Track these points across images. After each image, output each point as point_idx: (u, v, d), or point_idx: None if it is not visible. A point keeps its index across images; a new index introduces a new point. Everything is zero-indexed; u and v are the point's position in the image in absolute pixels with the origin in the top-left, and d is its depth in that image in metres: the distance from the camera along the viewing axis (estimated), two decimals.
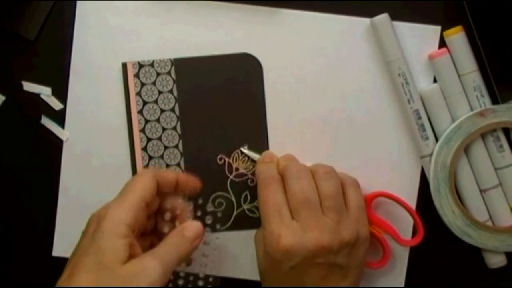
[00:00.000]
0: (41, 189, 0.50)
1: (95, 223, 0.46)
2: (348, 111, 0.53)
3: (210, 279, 0.54)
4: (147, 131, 0.53)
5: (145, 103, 0.53)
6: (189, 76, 0.53)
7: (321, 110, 0.53)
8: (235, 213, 0.54)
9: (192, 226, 0.48)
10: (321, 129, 0.53)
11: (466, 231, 0.52)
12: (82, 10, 0.53)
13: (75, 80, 0.54)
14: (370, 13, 0.52)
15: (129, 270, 0.45)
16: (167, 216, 0.50)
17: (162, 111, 0.53)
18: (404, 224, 0.53)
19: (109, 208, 0.46)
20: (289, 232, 0.46)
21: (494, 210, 0.53)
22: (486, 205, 0.53)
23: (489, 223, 0.53)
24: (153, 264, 0.45)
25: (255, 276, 0.52)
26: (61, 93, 0.54)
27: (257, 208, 0.54)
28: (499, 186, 0.52)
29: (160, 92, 0.53)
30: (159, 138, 0.53)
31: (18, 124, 0.54)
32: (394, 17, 0.52)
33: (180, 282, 0.53)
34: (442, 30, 0.52)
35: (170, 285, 0.53)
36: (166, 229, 0.49)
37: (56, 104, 0.54)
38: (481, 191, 0.53)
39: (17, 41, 0.53)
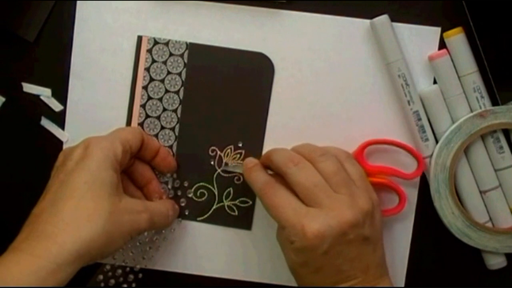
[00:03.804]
0: (41, 191, 0.50)
1: (81, 151, 0.46)
2: (348, 112, 0.53)
3: (140, 276, 0.55)
4: (147, 107, 0.53)
5: (151, 79, 0.53)
6: (201, 63, 0.53)
7: (321, 111, 0.53)
8: (214, 207, 0.54)
9: (177, 208, 0.53)
10: (320, 131, 0.53)
11: (466, 233, 0.52)
12: (82, 11, 0.53)
13: (75, 81, 0.54)
14: (370, 15, 0.52)
15: (125, 207, 0.46)
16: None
17: (167, 91, 0.53)
18: (404, 164, 0.53)
19: (98, 138, 0.47)
20: (311, 219, 0.45)
21: (494, 211, 0.53)
22: (486, 206, 0.53)
23: (489, 225, 0.53)
24: (145, 216, 0.47)
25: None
26: (61, 94, 0.54)
27: (236, 206, 0.54)
28: (499, 187, 0.52)
29: (168, 73, 0.53)
30: (158, 117, 0.53)
31: (18, 126, 0.54)
32: (394, 18, 0.52)
33: (131, 277, 0.54)
34: (442, 31, 0.52)
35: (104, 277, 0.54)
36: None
37: (56, 106, 0.54)
38: (481, 192, 0.53)
39: (17, 43, 0.53)
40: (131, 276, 0.54)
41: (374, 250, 0.47)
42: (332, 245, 0.45)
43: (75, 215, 0.43)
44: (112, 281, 0.54)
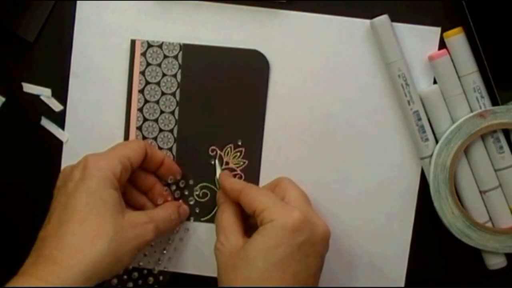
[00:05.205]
0: (41, 191, 0.50)
1: (80, 172, 0.46)
2: (348, 112, 0.53)
3: (161, 278, 0.54)
4: (144, 111, 0.53)
5: (147, 83, 0.53)
6: (196, 63, 0.53)
7: (321, 111, 0.53)
8: None
9: (186, 208, 0.53)
10: (320, 131, 0.53)
11: (466, 233, 0.52)
12: (82, 11, 0.53)
13: (75, 81, 0.54)
14: (370, 15, 0.52)
15: (129, 222, 0.46)
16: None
17: (163, 93, 0.53)
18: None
19: (96, 157, 0.47)
20: (293, 208, 0.46)
21: (494, 211, 0.53)
22: (486, 206, 0.53)
23: (489, 225, 0.53)
24: (150, 227, 0.47)
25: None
26: (61, 94, 0.54)
27: None
28: (499, 187, 0.52)
29: (164, 75, 0.53)
30: (156, 120, 0.53)
31: (18, 126, 0.54)
32: (394, 18, 0.52)
33: (135, 274, 0.54)
34: (442, 31, 0.52)
35: (125, 277, 0.54)
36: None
37: (56, 106, 0.54)
38: (481, 192, 0.53)
39: (17, 43, 0.53)
40: (151, 279, 0.54)
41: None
42: (308, 240, 0.45)
43: (79, 238, 0.43)
44: (130, 284, 0.54)
